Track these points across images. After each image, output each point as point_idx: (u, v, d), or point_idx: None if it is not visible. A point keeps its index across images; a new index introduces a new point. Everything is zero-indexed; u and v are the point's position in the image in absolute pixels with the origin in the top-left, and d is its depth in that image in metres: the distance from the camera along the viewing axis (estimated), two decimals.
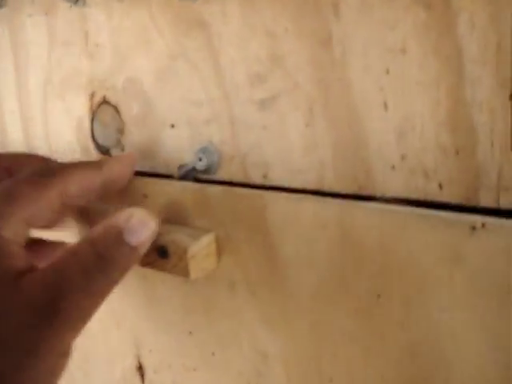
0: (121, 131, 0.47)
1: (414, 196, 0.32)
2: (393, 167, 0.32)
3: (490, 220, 0.28)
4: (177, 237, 0.37)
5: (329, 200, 0.33)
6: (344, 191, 0.34)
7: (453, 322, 0.29)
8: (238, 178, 0.39)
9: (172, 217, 0.41)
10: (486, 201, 0.30)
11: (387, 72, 0.32)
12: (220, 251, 0.38)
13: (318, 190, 0.35)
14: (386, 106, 0.32)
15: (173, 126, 0.43)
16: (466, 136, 0.30)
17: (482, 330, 0.29)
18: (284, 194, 0.35)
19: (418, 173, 0.32)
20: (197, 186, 0.39)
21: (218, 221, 0.38)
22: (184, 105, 0.42)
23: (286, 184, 0.37)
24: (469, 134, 0.30)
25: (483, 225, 0.28)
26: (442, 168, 0.31)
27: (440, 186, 0.31)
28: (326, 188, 0.35)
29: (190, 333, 0.43)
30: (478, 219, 0.28)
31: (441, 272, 0.29)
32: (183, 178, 0.42)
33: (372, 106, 0.32)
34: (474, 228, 0.28)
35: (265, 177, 0.38)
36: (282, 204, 0.35)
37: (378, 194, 0.33)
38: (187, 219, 0.40)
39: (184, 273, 0.36)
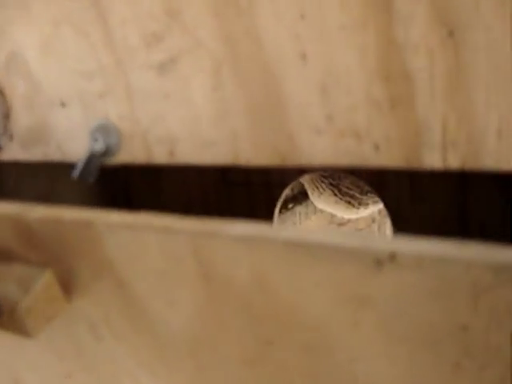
0: (7, 116, 0.41)
1: (345, 162, 0.29)
2: (318, 131, 0.29)
3: (403, 248, 0.20)
4: (4, 287, 0.30)
5: (176, 226, 0.25)
6: (264, 163, 0.30)
7: (372, 373, 0.23)
8: (142, 158, 0.34)
9: None
10: (430, 161, 0.26)
11: (302, 17, 0.28)
12: (67, 289, 0.31)
13: (233, 164, 0.31)
14: (304, 57, 0.28)
15: (63, 104, 0.37)
16: (402, 85, 0.26)
17: (412, 382, 0.22)
18: (118, 218, 0.27)
19: (347, 134, 0.28)
20: (16, 210, 0.30)
21: (52, 254, 0.30)
22: (74, 78, 0.36)
23: (195, 160, 0.32)
24: (405, 83, 0.26)
25: (392, 257, 0.20)
26: (377, 126, 0.27)
27: (375, 148, 0.28)
28: (243, 161, 0.31)
29: (69, 376, 0.37)
30: (385, 249, 0.20)
31: (343, 316, 0.22)
32: (84, 170, 0.36)
33: (288, 60, 0.29)
34: (379, 262, 0.20)
35: (171, 154, 0.33)
36: (118, 234, 0.27)
37: (304, 163, 0.29)
38: (17, 253, 0.31)
39: (22, 331, 0.29)
